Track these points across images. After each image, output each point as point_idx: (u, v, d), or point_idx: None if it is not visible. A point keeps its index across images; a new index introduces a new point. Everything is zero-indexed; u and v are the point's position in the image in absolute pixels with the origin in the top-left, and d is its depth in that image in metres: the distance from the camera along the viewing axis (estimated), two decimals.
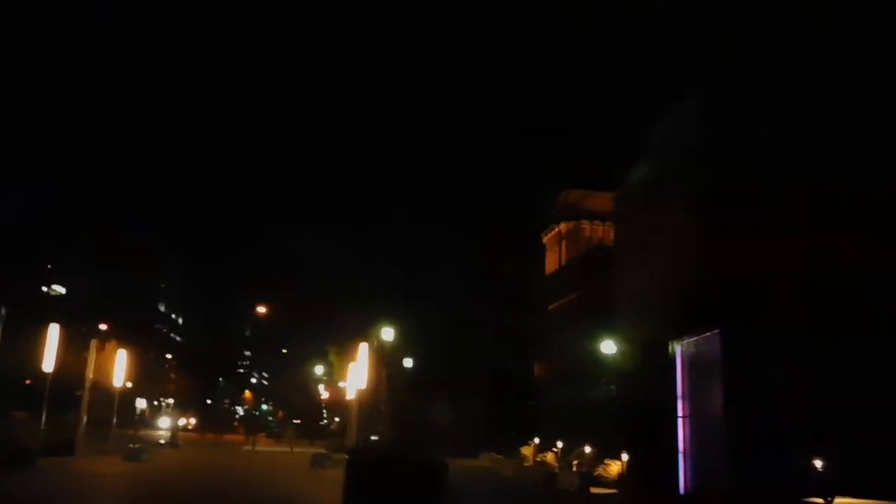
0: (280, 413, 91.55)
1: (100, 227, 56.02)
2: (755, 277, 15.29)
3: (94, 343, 25.41)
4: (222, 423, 58.53)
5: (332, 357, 53.92)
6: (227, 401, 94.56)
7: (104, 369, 30.43)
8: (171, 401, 76.02)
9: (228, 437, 46.18)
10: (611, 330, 31.63)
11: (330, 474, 21.50)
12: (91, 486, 16.37)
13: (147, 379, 51.93)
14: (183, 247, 65.99)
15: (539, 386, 34.85)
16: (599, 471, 19.34)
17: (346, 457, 24.79)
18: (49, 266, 57.38)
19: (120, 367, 28.10)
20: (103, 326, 42.12)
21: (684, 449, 15.14)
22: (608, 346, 30.55)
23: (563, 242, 47.44)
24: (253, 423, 66.30)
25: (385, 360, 26.86)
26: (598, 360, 32.39)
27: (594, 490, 17.79)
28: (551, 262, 47.98)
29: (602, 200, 44.60)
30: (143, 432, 41.80)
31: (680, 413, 15.36)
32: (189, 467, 22.56)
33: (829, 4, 21.05)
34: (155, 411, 68.47)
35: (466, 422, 30.83)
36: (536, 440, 27.05)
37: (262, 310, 61.21)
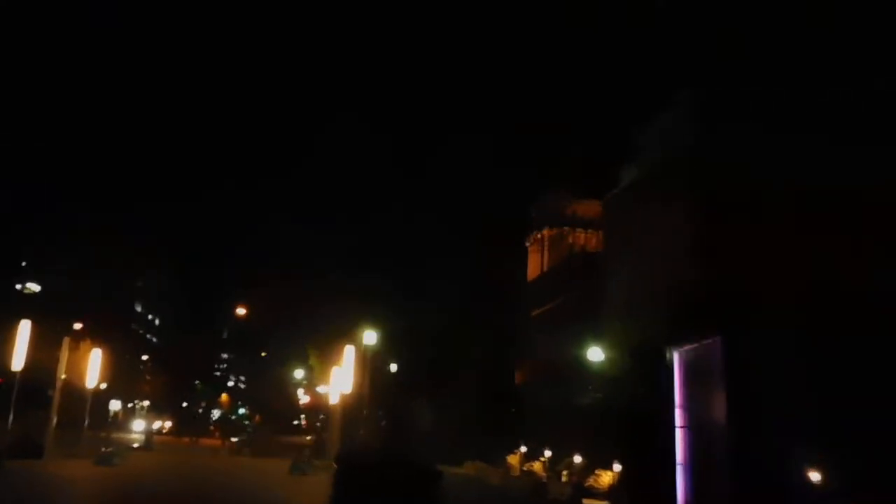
0: (257, 417, 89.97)
1: (76, 224, 54.58)
2: (756, 282, 15.01)
3: (66, 341, 24.36)
4: (198, 427, 57.17)
5: (313, 360, 52.97)
6: (203, 403, 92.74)
7: (77, 369, 29.31)
8: (145, 403, 74.23)
9: (205, 440, 44.95)
10: (599, 336, 31.35)
11: (310, 481, 20.76)
12: (57, 491, 15.48)
13: (121, 380, 50.43)
14: (161, 245, 64.46)
15: (524, 393, 34.38)
16: (590, 481, 18.87)
17: (321, 463, 24.16)
18: (23, 263, 55.92)
19: (94, 367, 27.06)
20: (77, 325, 40.79)
21: (683, 460, 14.73)
22: (596, 353, 30.26)
23: (546, 248, 47.40)
24: (229, 427, 64.90)
25: (368, 363, 26.17)
26: (585, 366, 32.10)
27: (586, 501, 17.31)
28: (533, 268, 47.89)
29: (585, 207, 44.88)
30: (116, 435, 40.47)
31: (678, 423, 14.94)
32: (163, 473, 21.63)
33: (829, 4, 21.01)
34: (129, 413, 66.74)
35: (450, 429, 30.21)
36: (523, 449, 26.52)
37: (241, 311, 60.01)
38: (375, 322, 27.94)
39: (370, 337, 25.76)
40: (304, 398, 61.56)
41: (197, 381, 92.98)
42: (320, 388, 61.05)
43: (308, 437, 36.59)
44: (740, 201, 17.45)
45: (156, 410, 68.18)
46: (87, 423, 27.91)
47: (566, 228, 45.61)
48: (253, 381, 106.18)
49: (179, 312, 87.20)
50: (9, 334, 22.08)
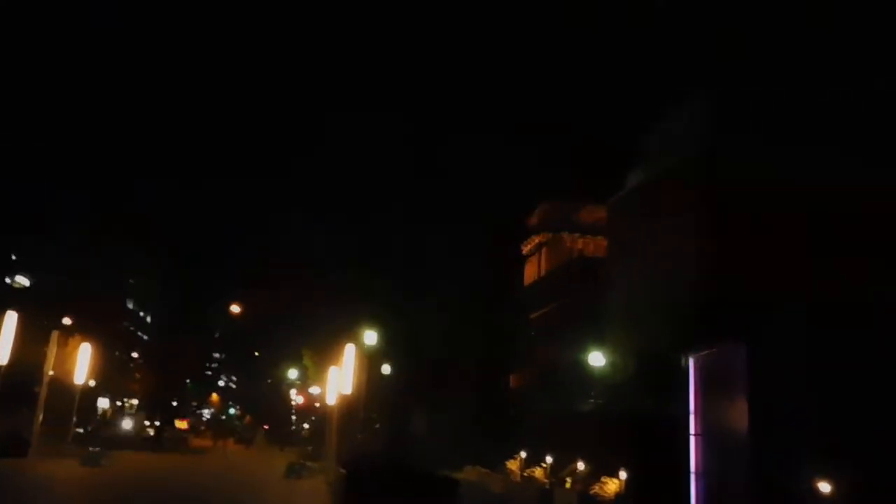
0: (248, 418, 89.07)
1: (69, 219, 53.73)
2: (776, 286, 14.50)
3: (55, 335, 23.54)
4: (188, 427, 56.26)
5: (308, 361, 52.18)
6: (194, 403, 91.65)
7: (65, 365, 28.48)
8: (135, 401, 73.17)
9: (195, 440, 44.06)
10: (601, 341, 30.83)
11: (307, 485, 20.06)
12: (41, 491, 14.71)
13: (111, 377, 49.49)
14: (156, 243, 63.37)
15: (522, 398, 33.79)
16: (596, 489, 18.25)
17: (318, 465, 23.46)
18: (13, 257, 55.08)
19: (83, 364, 26.22)
20: (67, 321, 39.89)
21: (697, 468, 14.15)
22: (597, 358, 29.70)
23: (543, 253, 47.12)
24: (221, 427, 63.94)
25: (365, 365, 25.48)
26: (585, 371, 31.56)
27: None
28: (530, 273, 47.62)
29: (583, 212, 44.71)
30: (103, 433, 39.59)
31: (693, 430, 14.36)
32: (152, 474, 20.86)
33: (830, 5, 20.65)
34: (118, 412, 65.72)
35: (447, 433, 29.56)
36: (523, 454, 25.88)
37: (235, 309, 59.13)
38: (373, 323, 27.27)
39: (369, 337, 25.06)
40: (297, 399, 60.67)
41: (188, 380, 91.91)
42: (313, 389, 60.30)
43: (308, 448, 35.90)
44: (756, 204, 17.00)
45: (145, 409, 67.19)
46: (74, 421, 27.08)
47: (564, 233, 45.46)
48: (245, 381, 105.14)
49: (172, 310, 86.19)
50: None
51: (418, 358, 38.06)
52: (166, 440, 35.75)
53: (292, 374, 59.34)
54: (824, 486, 11.53)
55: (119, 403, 70.04)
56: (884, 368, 12.30)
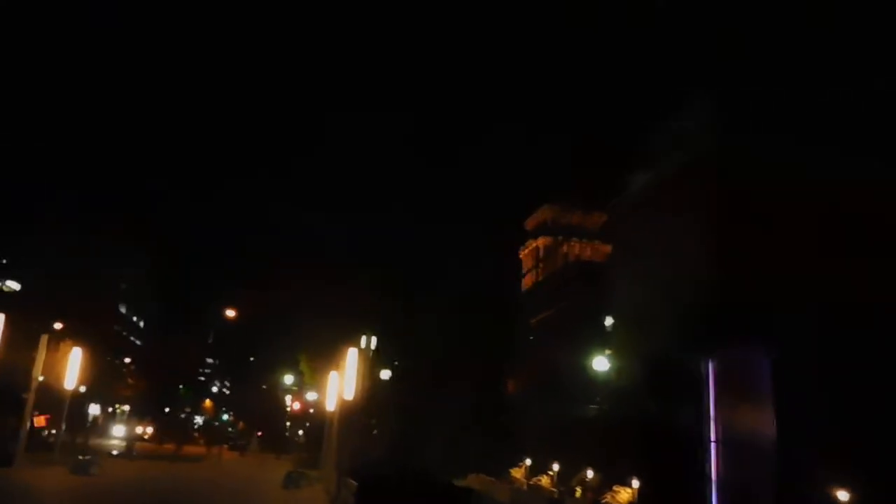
0: (241, 424, 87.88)
1: (61, 223, 52.81)
2: (795, 288, 13.98)
3: (44, 338, 22.68)
4: (181, 433, 55.17)
5: (304, 366, 51.33)
6: (188, 409, 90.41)
7: (55, 370, 27.62)
8: (126, 407, 71.99)
9: (188, 448, 43.09)
10: (604, 345, 30.24)
11: (306, 495, 19.29)
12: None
13: (101, 383, 48.41)
14: (149, 247, 62.32)
15: (525, 404, 33.11)
16: (607, 498, 17.59)
17: (316, 474, 22.68)
18: (3, 260, 54.22)
19: (73, 368, 25.35)
20: (58, 325, 38.94)
21: (717, 476, 13.49)
22: (602, 362, 29.06)
23: (541, 257, 46.79)
24: (214, 434, 62.86)
25: (366, 370, 24.75)
26: (589, 376, 30.93)
27: None
28: (528, 277, 47.28)
29: (580, 218, 44.46)
30: (94, 441, 38.59)
31: (713, 437, 13.73)
32: (145, 484, 20.00)
33: (835, 3, 20.30)
34: (109, 418, 64.53)
35: (450, 440, 28.82)
36: (528, 461, 25.18)
37: (230, 313, 58.20)
38: (373, 328, 26.64)
39: (364, 341, 24.35)
40: (294, 405, 59.67)
41: (181, 386, 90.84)
42: (310, 395, 59.38)
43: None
44: (770, 204, 16.53)
45: (137, 415, 66.02)
46: (63, 427, 26.18)
47: (561, 237, 45.23)
48: (238, 386, 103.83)
49: (164, 315, 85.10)
50: None
51: (417, 363, 37.38)
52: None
53: (288, 379, 58.37)
54: (845, 495, 10.94)
55: (110, 410, 68.84)
56: None
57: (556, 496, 20.16)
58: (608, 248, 39.71)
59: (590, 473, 19.87)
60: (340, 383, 21.15)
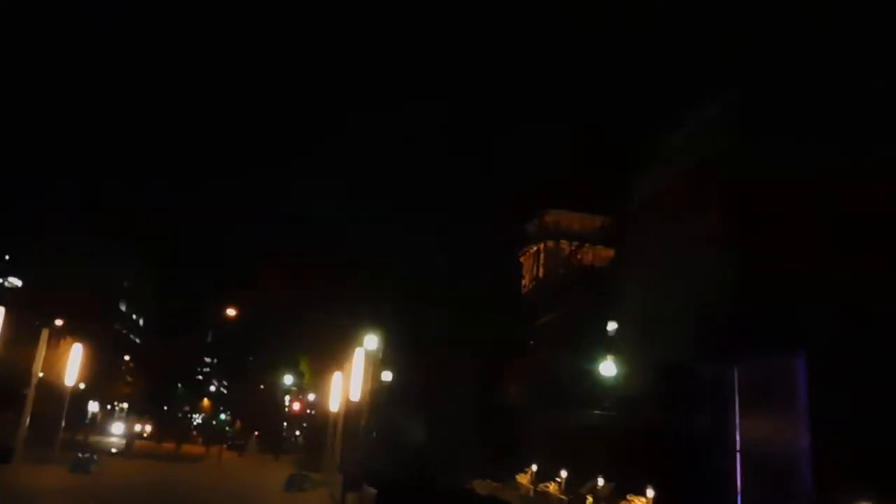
0: (238, 424, 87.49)
1: (63, 220, 52.62)
2: (825, 290, 13.59)
3: (45, 333, 22.32)
4: (179, 432, 54.70)
5: (305, 367, 50.97)
6: (187, 408, 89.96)
7: (55, 367, 27.32)
8: (125, 405, 71.61)
9: (187, 447, 42.63)
10: (610, 350, 29.83)
11: (310, 499, 18.89)
12: (25, 502, 13.51)
13: (101, 380, 48.05)
14: (150, 245, 61.99)
15: (524, 409, 32.70)
16: None
17: (318, 476, 22.24)
18: (6, 257, 54.20)
19: (73, 365, 24.97)
20: (58, 322, 38.61)
21: (742, 487, 13.12)
22: (608, 368, 28.66)
23: (541, 262, 46.57)
24: (212, 433, 62.37)
25: (370, 371, 24.36)
26: (595, 382, 30.51)
27: None
28: (528, 280, 47.05)
29: (581, 221, 44.23)
30: (93, 438, 38.14)
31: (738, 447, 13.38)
32: (144, 484, 19.59)
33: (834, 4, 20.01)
34: (107, 415, 64.14)
35: (453, 444, 28.43)
36: (534, 468, 24.74)
37: (230, 312, 57.80)
38: (375, 327, 26.24)
39: (371, 342, 23.90)
40: (295, 405, 59.20)
41: (179, 385, 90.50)
42: (310, 396, 58.91)
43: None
44: (793, 204, 16.17)
45: (135, 413, 65.64)
46: (63, 425, 25.79)
47: (561, 241, 45.07)
48: (236, 386, 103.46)
49: (164, 313, 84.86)
50: None
51: (419, 364, 37.01)
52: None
53: (288, 379, 57.94)
54: None
55: (109, 407, 68.47)
56: None
57: (566, 502, 19.75)
58: (610, 252, 39.54)
59: (601, 481, 19.44)
60: (346, 384, 20.75)
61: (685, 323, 18.19)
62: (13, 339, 21.51)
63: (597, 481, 19.42)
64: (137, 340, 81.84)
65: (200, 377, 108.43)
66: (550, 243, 45.45)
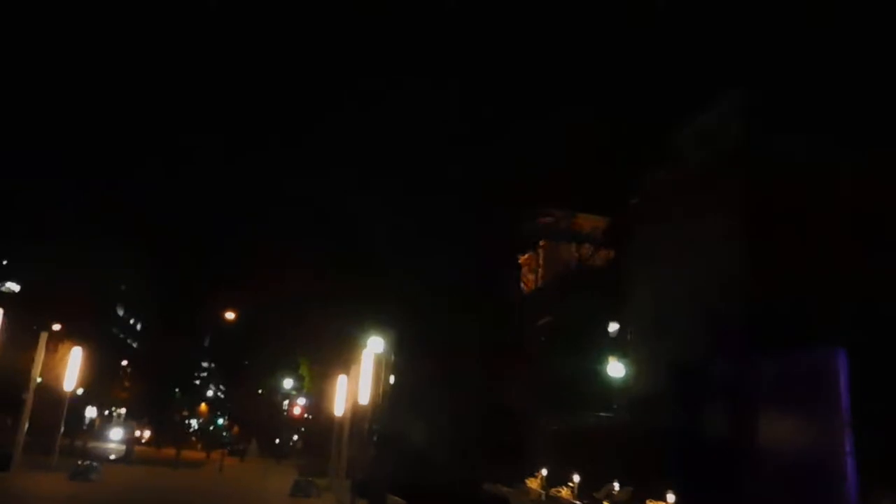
0: (236, 428, 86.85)
1: (59, 223, 52.05)
2: (856, 285, 13.26)
3: (43, 336, 21.79)
4: (179, 437, 54.05)
5: (304, 370, 50.43)
6: (185, 412, 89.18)
7: (53, 372, 26.84)
8: (122, 410, 70.93)
9: (187, 452, 42.01)
10: (618, 351, 29.43)
11: None
12: None
13: (99, 385, 47.43)
14: (147, 249, 61.35)
15: (535, 411, 32.25)
16: None
17: (324, 482, 21.75)
18: (3, 262, 53.81)
19: (72, 370, 24.43)
20: (56, 327, 38.03)
21: (771, 491, 12.69)
22: (617, 368, 28.24)
23: (542, 262, 46.27)
24: (211, 439, 61.73)
25: (379, 374, 23.89)
26: (602, 383, 30.09)
27: None
28: (528, 282, 46.76)
29: (581, 221, 43.97)
30: (92, 444, 37.49)
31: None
32: (148, 492, 19.05)
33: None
34: (105, 421, 63.43)
35: (464, 450, 27.96)
36: (544, 471, 24.31)
37: (229, 315, 57.08)
38: (379, 329, 25.81)
39: (378, 344, 23.43)
40: (295, 409, 58.53)
41: (177, 389, 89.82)
42: (307, 399, 58.26)
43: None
44: (816, 199, 15.86)
45: (133, 418, 64.99)
46: (62, 430, 25.24)
47: (562, 242, 44.81)
48: (233, 390, 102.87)
49: (161, 318, 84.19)
50: None
51: (423, 367, 36.53)
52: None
53: (287, 383, 57.34)
54: None
55: (107, 412, 67.81)
56: None
57: None
58: (610, 253, 39.27)
59: (616, 485, 19.02)
60: (352, 387, 20.27)
61: (701, 321, 17.83)
62: (11, 344, 21.01)
63: (612, 486, 18.98)
64: (135, 345, 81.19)
65: (198, 381, 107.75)
66: (551, 244, 45.23)
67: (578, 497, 20.87)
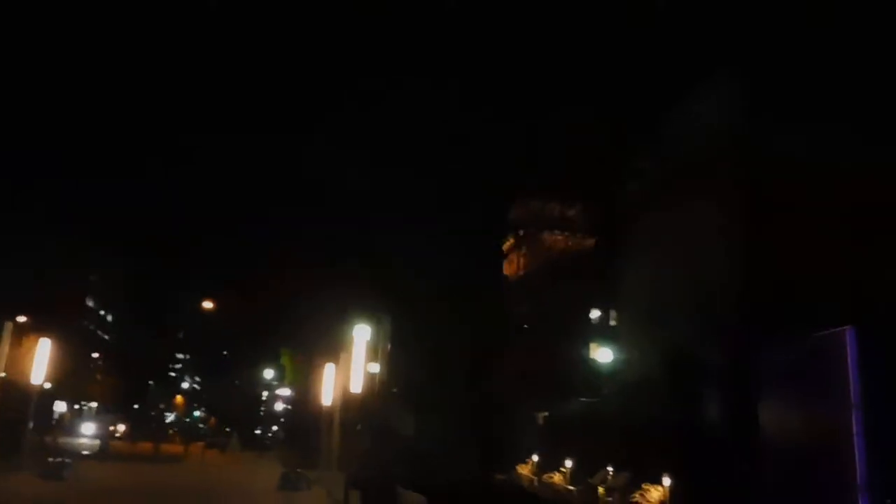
0: (213, 420, 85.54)
1: (26, 213, 49.90)
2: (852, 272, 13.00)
3: (8, 326, 20.60)
4: (155, 431, 52.71)
5: (286, 360, 49.43)
6: (161, 405, 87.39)
7: (20, 366, 25.52)
8: (94, 404, 69.03)
9: (165, 446, 40.86)
10: (608, 338, 29.17)
11: (307, 499, 17.69)
12: None
13: (69, 379, 45.77)
14: (118, 238, 59.31)
15: (522, 399, 31.88)
16: (636, 497, 16.42)
17: (314, 476, 21.05)
18: None
19: (40, 362, 23.22)
20: (22, 318, 36.40)
21: (774, 474, 12.40)
22: (606, 355, 28.01)
23: (524, 251, 46.05)
24: (189, 432, 60.42)
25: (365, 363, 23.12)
26: (590, 370, 29.87)
27: None
28: (511, 270, 46.56)
29: (563, 209, 43.79)
30: (63, 440, 36.09)
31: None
32: (126, 489, 18.10)
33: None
34: (76, 415, 61.54)
35: (450, 436, 27.48)
36: (535, 458, 23.94)
37: (203, 306, 55.60)
38: (364, 318, 25.08)
39: (364, 331, 22.61)
40: (277, 401, 57.52)
41: (150, 382, 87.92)
42: (288, 390, 57.28)
43: None
44: (806, 190, 15.64)
45: (106, 412, 63.26)
46: (30, 426, 24.04)
47: (545, 230, 44.65)
48: (210, 382, 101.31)
49: (134, 309, 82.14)
50: None
51: (408, 355, 35.93)
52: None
53: (268, 374, 56.30)
54: None
55: (77, 407, 65.86)
56: None
57: (574, 493, 18.95)
58: (591, 241, 39.09)
59: (610, 470, 18.67)
60: (342, 376, 19.54)
61: (694, 308, 17.53)
62: None
63: (607, 471, 18.64)
64: (106, 337, 79.00)
65: (173, 373, 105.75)
66: (532, 233, 45.05)
67: (572, 483, 20.52)
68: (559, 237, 44.45)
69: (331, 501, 16.47)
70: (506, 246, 47.91)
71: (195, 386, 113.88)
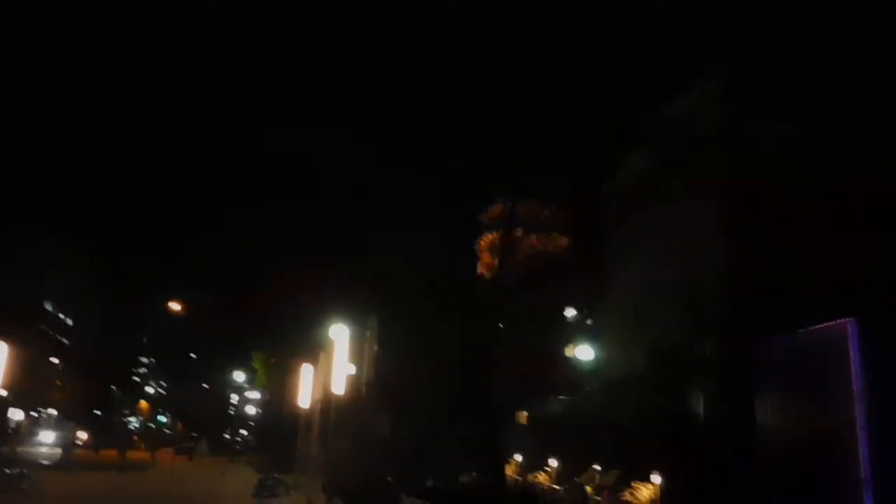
0: (180, 425, 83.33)
1: None
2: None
3: None
4: (117, 438, 50.72)
5: (257, 363, 48.12)
6: (126, 411, 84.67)
7: None
8: (52, 411, 66.44)
9: (130, 454, 39.30)
10: (588, 336, 29.03)
11: None
12: None
13: (26, 385, 43.79)
14: (77, 239, 56.95)
15: (503, 398, 31.49)
16: (626, 496, 16.11)
17: (292, 481, 20.29)
18: None
19: None
20: None
21: (773, 472, 12.22)
22: (587, 352, 27.86)
23: (498, 250, 45.80)
24: (155, 438, 58.45)
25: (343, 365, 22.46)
26: (571, 368, 29.64)
27: None
28: (484, 270, 46.31)
29: (538, 208, 43.69)
30: (21, 449, 34.37)
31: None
32: (91, 501, 17.06)
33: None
34: (34, 424, 59.06)
35: (437, 441, 26.90)
36: (518, 457, 23.56)
37: (170, 307, 53.96)
38: (341, 318, 24.40)
39: (341, 332, 21.88)
40: (247, 404, 56.04)
41: (113, 387, 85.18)
42: (259, 393, 55.88)
43: None
44: (790, 184, 15.60)
45: (66, 420, 60.90)
46: None
47: (519, 229, 44.46)
48: (176, 386, 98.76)
49: (95, 313, 79.54)
50: None
51: (385, 356, 35.22)
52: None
53: (238, 376, 54.82)
54: None
55: (35, 415, 63.25)
56: None
57: (563, 493, 18.60)
58: (565, 240, 39.01)
59: (597, 468, 18.37)
60: (321, 376, 18.82)
61: (680, 304, 17.41)
62: None
63: (594, 469, 18.34)
64: (66, 342, 76.21)
65: (137, 378, 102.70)
66: (505, 231, 44.79)
67: (558, 482, 20.17)
68: (539, 235, 44.33)
69: None
70: (484, 244, 47.61)
71: (160, 391, 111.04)
